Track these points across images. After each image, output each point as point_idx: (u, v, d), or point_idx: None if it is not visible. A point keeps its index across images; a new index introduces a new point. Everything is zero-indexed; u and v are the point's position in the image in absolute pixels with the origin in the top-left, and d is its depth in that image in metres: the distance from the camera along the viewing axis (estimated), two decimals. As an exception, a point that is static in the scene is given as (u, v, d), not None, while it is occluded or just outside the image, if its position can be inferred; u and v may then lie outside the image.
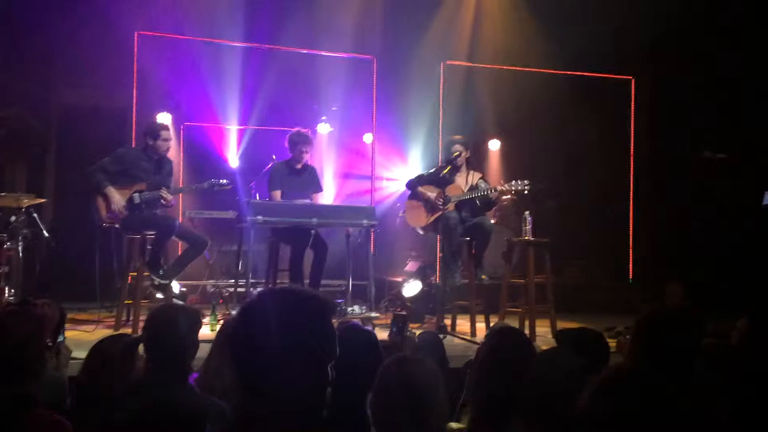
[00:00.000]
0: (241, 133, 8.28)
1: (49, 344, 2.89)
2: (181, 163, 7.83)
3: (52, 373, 2.84)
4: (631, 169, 8.14)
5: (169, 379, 2.40)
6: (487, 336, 2.50)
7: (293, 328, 1.35)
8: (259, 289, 5.89)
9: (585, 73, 8.00)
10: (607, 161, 8.35)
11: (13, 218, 5.30)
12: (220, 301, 6.50)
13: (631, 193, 8.09)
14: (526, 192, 5.54)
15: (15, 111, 7.70)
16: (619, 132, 8.25)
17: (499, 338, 2.23)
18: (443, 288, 5.76)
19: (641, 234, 8.05)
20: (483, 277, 5.69)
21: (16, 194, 5.52)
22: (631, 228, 8.02)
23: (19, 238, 5.33)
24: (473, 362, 2.27)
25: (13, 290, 5.43)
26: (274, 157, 6.06)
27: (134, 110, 7.02)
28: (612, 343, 3.07)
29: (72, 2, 7.30)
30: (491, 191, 5.62)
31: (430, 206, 5.77)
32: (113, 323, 5.35)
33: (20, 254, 5.39)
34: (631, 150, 8.15)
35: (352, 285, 5.67)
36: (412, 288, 6.68)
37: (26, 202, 5.45)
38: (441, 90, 7.64)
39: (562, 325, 5.60)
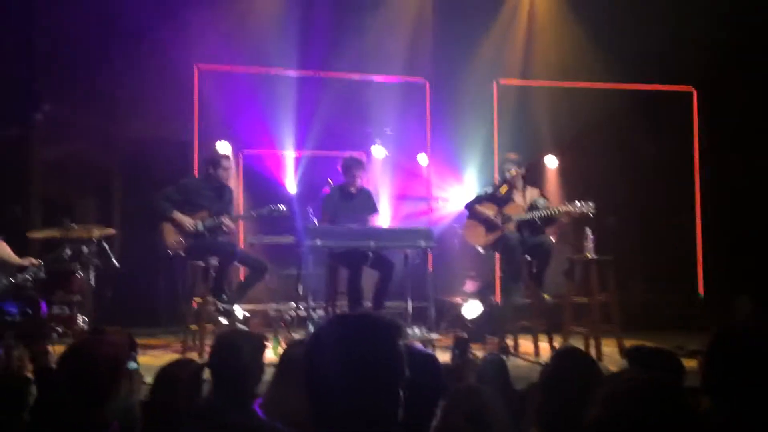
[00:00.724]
0: (298, 159, 8.42)
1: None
2: (241, 190, 8.00)
3: (124, 398, 2.91)
4: (697, 182, 7.88)
5: (234, 404, 2.43)
6: (551, 357, 2.45)
7: (364, 353, 1.36)
8: (320, 313, 5.96)
9: (643, 86, 7.82)
10: (670, 174, 8.11)
11: (85, 249, 5.51)
12: (282, 324, 6.57)
13: (698, 207, 7.83)
14: (591, 215, 5.42)
15: (82, 146, 8.06)
16: (681, 144, 8.01)
17: (562, 359, 2.18)
18: (504, 308, 5.68)
19: (709, 248, 7.76)
20: (546, 296, 5.59)
21: (87, 226, 5.74)
22: (699, 242, 7.75)
23: (91, 267, 5.53)
24: (538, 384, 2.21)
25: (86, 318, 5.62)
26: (330, 181, 6.13)
27: (196, 141, 7.24)
28: (689, 362, 2.94)
29: (134, 38, 7.62)
30: (555, 212, 5.53)
31: (490, 225, 5.73)
32: (180, 348, 5.46)
33: (92, 283, 5.58)
34: (695, 162, 7.90)
35: (412, 307, 5.65)
36: (472, 308, 6.60)
37: (97, 233, 5.66)
38: (495, 109, 7.60)
39: (629, 344, 5.43)
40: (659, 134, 8.05)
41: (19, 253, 5.27)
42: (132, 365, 3.09)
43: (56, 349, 4.60)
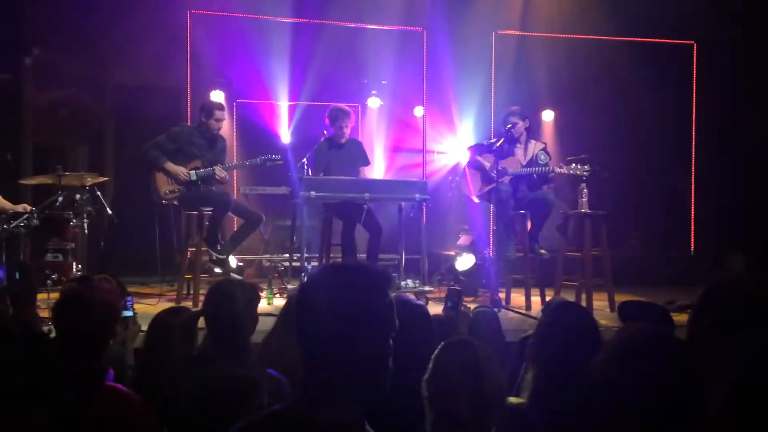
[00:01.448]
0: (292, 109, 8.32)
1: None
2: (235, 140, 7.93)
3: (119, 345, 2.94)
4: (693, 139, 7.85)
5: (229, 353, 2.46)
6: (546, 310, 2.46)
7: (354, 301, 1.37)
8: (314, 264, 5.99)
9: (643, 39, 7.71)
10: (668, 131, 8.07)
11: (77, 196, 5.48)
12: (276, 275, 6.60)
13: (693, 164, 7.81)
14: (585, 177, 5.40)
15: (73, 92, 7.93)
16: (680, 99, 7.95)
17: (560, 313, 2.19)
18: (497, 262, 5.71)
19: (702, 205, 7.78)
20: (542, 251, 5.61)
21: (79, 173, 5.70)
22: (693, 199, 7.77)
23: (84, 215, 5.51)
24: (533, 336, 2.24)
25: (80, 265, 5.63)
26: (325, 132, 6.09)
27: (188, 88, 7.14)
28: (678, 317, 2.97)
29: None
30: (549, 171, 5.51)
31: (485, 176, 5.72)
32: (175, 297, 5.50)
33: (85, 231, 5.58)
34: (693, 119, 7.85)
35: (405, 259, 5.68)
36: (465, 261, 6.65)
37: (89, 180, 5.62)
38: (493, 61, 7.49)
39: (620, 298, 5.48)
40: (658, 88, 7.97)
41: (12, 201, 5.25)
42: (127, 313, 3.11)
43: (51, 296, 4.63)
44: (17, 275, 2.21)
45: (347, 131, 5.92)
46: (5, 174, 5.60)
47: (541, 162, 5.57)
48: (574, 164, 5.43)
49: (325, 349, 1.37)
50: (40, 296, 4.71)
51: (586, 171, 5.35)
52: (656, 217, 8.09)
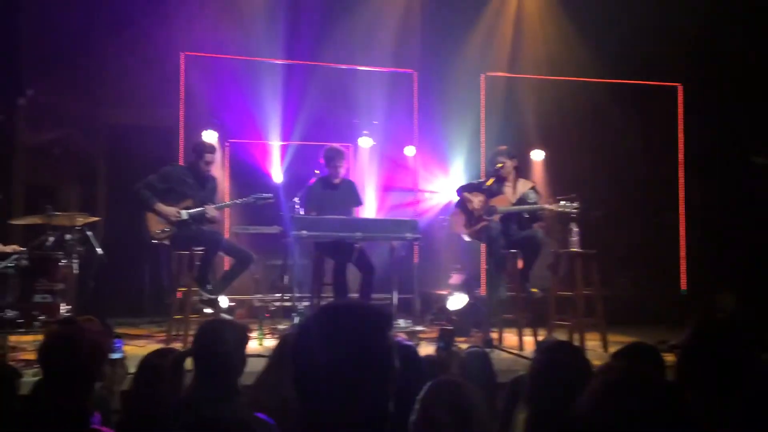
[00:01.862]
0: (284, 149, 8.38)
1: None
2: (227, 180, 7.96)
3: (107, 387, 2.90)
4: (681, 177, 7.94)
5: (218, 394, 2.42)
6: (539, 349, 2.45)
7: (353, 342, 1.34)
8: (305, 305, 5.95)
9: (629, 81, 7.86)
10: (655, 169, 8.17)
11: (68, 236, 5.46)
12: (267, 315, 6.56)
13: (682, 202, 7.88)
14: (573, 215, 5.43)
15: (66, 132, 7.97)
16: (666, 139, 8.07)
17: (554, 353, 2.18)
18: (489, 301, 5.70)
19: (693, 243, 7.83)
20: (534, 290, 5.60)
21: (70, 213, 5.68)
22: (682, 237, 7.81)
23: (74, 255, 5.48)
24: (528, 377, 2.22)
25: (68, 306, 5.58)
26: (317, 171, 6.12)
27: (181, 129, 7.19)
28: (669, 357, 2.96)
29: (120, 25, 7.54)
30: (540, 208, 5.54)
31: (475, 214, 5.74)
32: (164, 338, 5.44)
33: (75, 271, 5.54)
34: (680, 157, 7.95)
35: (397, 298, 5.66)
36: (457, 301, 6.63)
37: (80, 220, 5.60)
38: (482, 101, 7.60)
39: (612, 338, 5.48)
40: (645, 128, 8.09)
41: (1, 241, 5.22)
42: (116, 355, 3.07)
43: (38, 338, 4.57)
44: None
45: (342, 171, 5.93)
46: (-5, 214, 5.58)
47: (530, 201, 5.60)
48: (563, 202, 5.46)
49: (323, 392, 1.32)
50: (27, 338, 4.66)
51: (575, 209, 5.39)
52: (646, 255, 8.13)
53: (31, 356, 4.46)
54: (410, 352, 2.40)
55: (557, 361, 2.13)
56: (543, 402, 2.04)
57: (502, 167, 5.69)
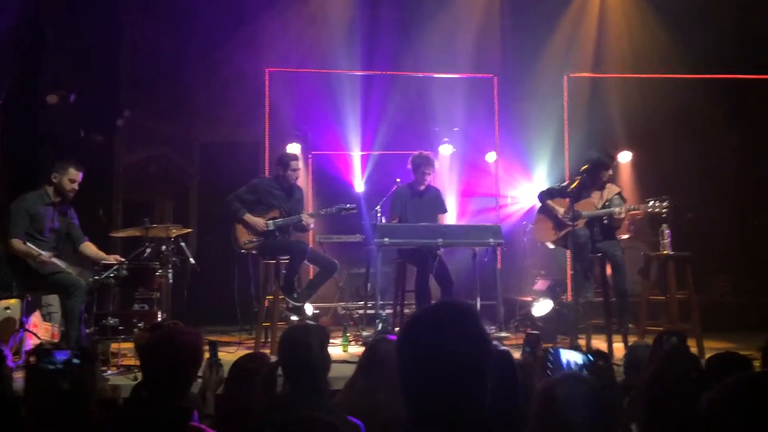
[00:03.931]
0: (365, 159, 8.50)
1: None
2: (310, 191, 8.14)
3: (192, 396, 3.01)
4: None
5: (307, 396, 2.48)
6: (657, 358, 2.37)
7: (458, 341, 1.39)
8: (388, 312, 5.98)
9: (721, 76, 7.48)
10: (755, 168, 7.73)
11: (163, 247, 5.73)
12: (351, 322, 6.65)
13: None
14: (664, 216, 5.21)
15: (161, 150, 8.44)
16: (763, 136, 7.63)
17: (670, 362, 2.12)
18: (576, 306, 5.55)
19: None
20: (630, 325, 5.39)
21: (165, 225, 5.97)
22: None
23: (169, 265, 5.74)
24: (638, 386, 2.17)
25: (165, 314, 5.85)
26: (398, 180, 6.16)
27: (267, 143, 7.43)
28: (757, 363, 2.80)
29: (209, 48, 7.91)
30: (624, 211, 5.34)
31: (559, 221, 5.60)
32: (253, 344, 5.61)
33: (170, 281, 5.80)
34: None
35: (481, 305, 5.60)
36: (542, 307, 6.50)
37: (175, 232, 5.87)
38: (565, 103, 7.44)
39: (709, 344, 5.22)
40: (738, 125, 7.68)
41: (103, 252, 5.53)
42: (214, 358, 3.19)
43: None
44: (77, 362, 2.23)
45: (429, 178, 5.91)
46: (98, 228, 5.92)
47: (615, 205, 5.41)
48: (651, 201, 5.24)
49: (430, 393, 1.38)
50: (128, 344, 4.91)
51: (665, 208, 5.16)
52: (747, 258, 7.69)
53: (132, 362, 4.72)
54: (505, 357, 2.37)
55: (672, 369, 2.08)
56: (659, 407, 1.99)
57: (593, 170, 5.49)
